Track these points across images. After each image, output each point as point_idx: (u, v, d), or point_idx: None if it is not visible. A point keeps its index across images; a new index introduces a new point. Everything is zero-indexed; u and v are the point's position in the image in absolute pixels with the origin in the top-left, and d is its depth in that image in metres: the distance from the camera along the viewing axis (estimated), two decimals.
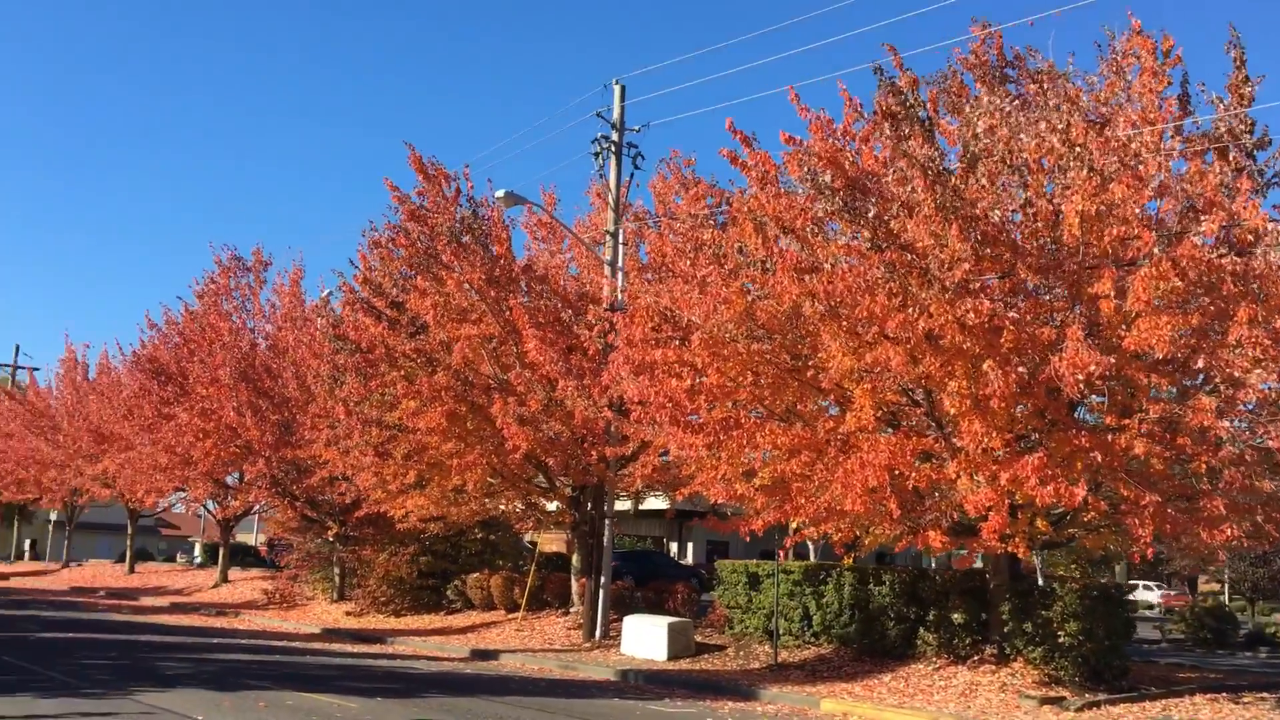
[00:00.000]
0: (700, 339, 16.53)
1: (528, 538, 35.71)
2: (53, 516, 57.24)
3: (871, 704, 15.82)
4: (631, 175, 25.49)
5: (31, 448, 47.76)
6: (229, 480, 36.02)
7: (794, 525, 19.51)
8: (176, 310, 35.41)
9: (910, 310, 14.18)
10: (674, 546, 48.87)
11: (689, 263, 17.75)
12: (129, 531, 49.68)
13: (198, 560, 56.93)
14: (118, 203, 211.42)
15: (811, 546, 37.79)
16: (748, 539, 19.19)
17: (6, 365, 62.25)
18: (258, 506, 37.46)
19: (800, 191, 15.92)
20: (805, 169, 15.12)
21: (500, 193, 23.28)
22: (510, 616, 27.55)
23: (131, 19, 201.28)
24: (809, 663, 19.53)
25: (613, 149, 25.20)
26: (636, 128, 25.59)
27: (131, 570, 48.81)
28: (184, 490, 37.88)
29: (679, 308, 17.48)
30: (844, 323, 15.48)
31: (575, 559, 26.48)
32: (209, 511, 40.55)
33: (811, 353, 16.92)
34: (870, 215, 14.76)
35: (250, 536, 71.43)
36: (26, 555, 67.66)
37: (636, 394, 18.05)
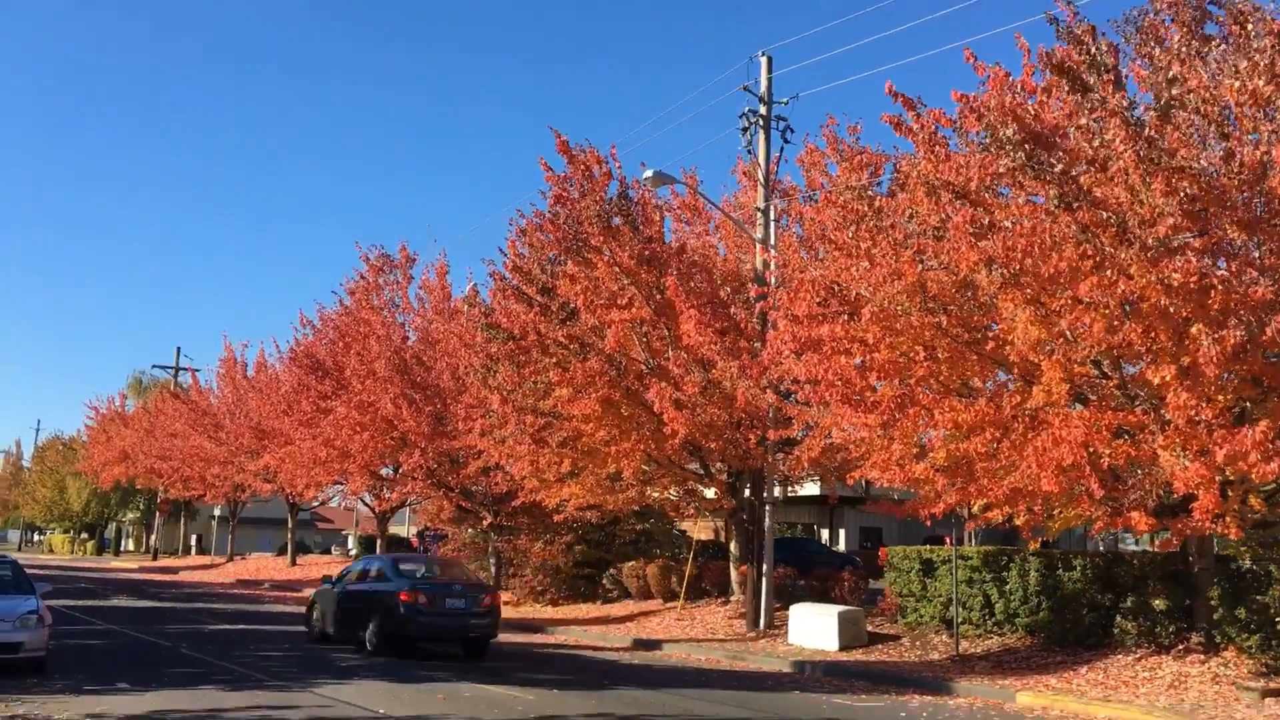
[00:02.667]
0: (871, 313, 15.65)
1: (680, 526, 35.18)
2: (216, 512, 59.53)
3: (1073, 697, 14.72)
4: (781, 150, 24.71)
5: (196, 446, 49.54)
6: (385, 473, 36.51)
7: (976, 508, 18.49)
8: (330, 307, 36.08)
9: (1109, 272, 13.05)
10: (825, 533, 47.76)
11: (851, 234, 16.83)
12: (289, 525, 51.13)
13: (353, 552, 58.35)
14: (268, 202, 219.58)
15: (969, 532, 36.39)
16: (928, 523, 18.23)
17: (169, 367, 64.92)
18: (412, 499, 37.85)
19: (976, 149, 14.90)
20: (984, 123, 14.07)
21: (648, 173, 22.72)
22: (668, 605, 27.08)
23: (285, 12, 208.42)
24: (993, 653, 18.45)
25: (761, 123, 24.43)
26: (784, 100, 24.79)
27: (293, 562, 50.22)
28: (342, 483, 38.59)
29: (845, 281, 16.61)
30: (1028, 290, 14.43)
31: (734, 546, 25.85)
32: (366, 504, 41.23)
33: (989, 324, 15.91)
34: (1057, 170, 13.64)
35: (403, 528, 73.05)
36: (193, 550, 70.58)
37: (805, 373, 17.25)
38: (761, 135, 24.38)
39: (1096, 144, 13.50)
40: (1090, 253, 13.07)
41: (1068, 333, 14.61)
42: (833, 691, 15.54)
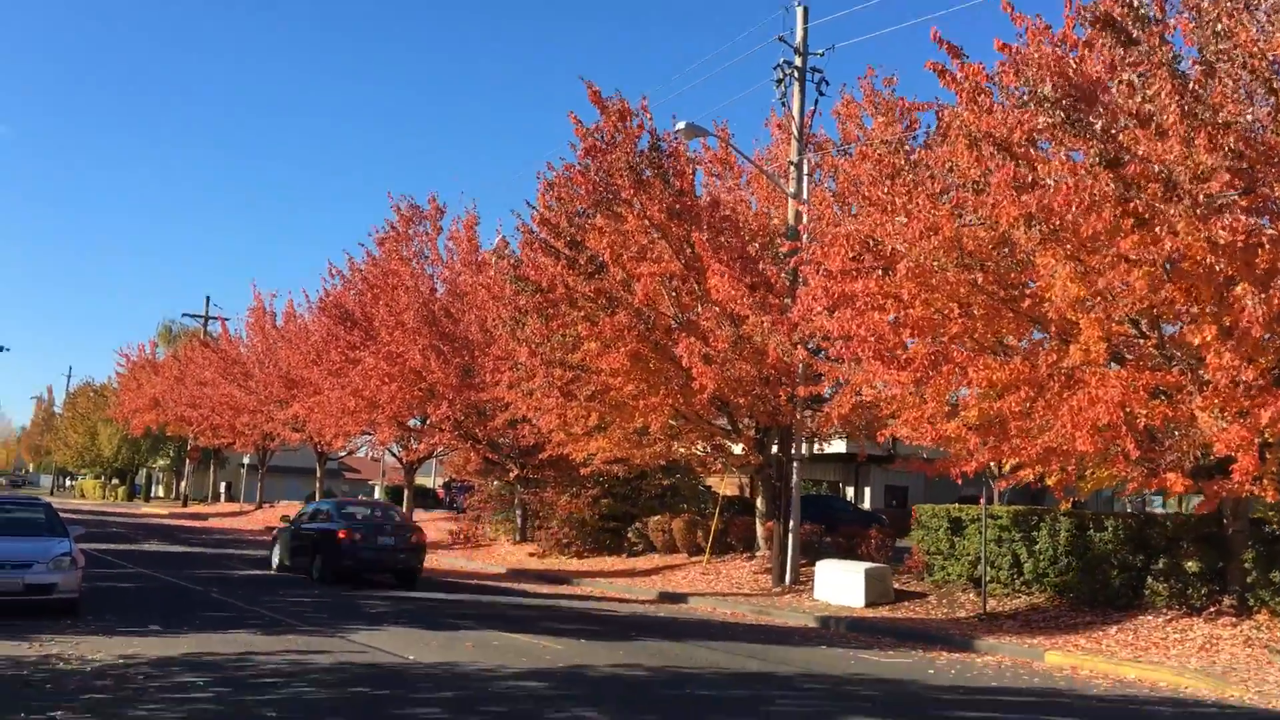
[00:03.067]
0: (906, 268, 15.41)
1: (705, 482, 35.13)
2: (245, 460, 60.05)
3: (1102, 657, 14.62)
4: (816, 102, 24.31)
5: (225, 394, 49.88)
6: (413, 424, 36.67)
7: (1007, 467, 18.32)
8: (359, 258, 36.06)
9: (1158, 228, 12.78)
10: (850, 491, 47.68)
11: (887, 188, 16.54)
12: (317, 474, 51.53)
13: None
14: (297, 152, 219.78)
15: (997, 492, 36.09)
16: (959, 481, 18.07)
17: (199, 316, 65.34)
18: (439, 450, 38.03)
19: (1014, 104, 14.58)
20: (1023, 79, 13.75)
21: (680, 125, 22.43)
22: (693, 560, 27.13)
23: None
24: (1021, 612, 18.38)
25: (795, 74, 24.04)
26: (820, 51, 24.34)
27: None
28: (370, 434, 38.80)
29: (880, 236, 16.36)
30: (1067, 246, 14.18)
31: (759, 502, 25.81)
32: (394, 455, 41.47)
33: (1026, 281, 15.66)
34: (1098, 128, 13.32)
35: (428, 479, 73.51)
36: (223, 497, 71.39)
37: (837, 329, 17.08)
38: (796, 87, 24.01)
39: (1139, 99, 13.17)
40: (1135, 208, 12.79)
41: (1107, 291, 14.37)
42: (859, 647, 15.52)
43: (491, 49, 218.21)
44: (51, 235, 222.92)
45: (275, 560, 24.61)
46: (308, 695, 9.43)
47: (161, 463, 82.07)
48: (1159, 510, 38.07)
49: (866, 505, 45.82)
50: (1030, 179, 13.65)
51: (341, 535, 21.79)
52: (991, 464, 17.91)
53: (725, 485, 38.90)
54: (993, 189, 14.30)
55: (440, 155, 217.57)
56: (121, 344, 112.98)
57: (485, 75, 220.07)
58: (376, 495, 64.85)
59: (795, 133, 23.93)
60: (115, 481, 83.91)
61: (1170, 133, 12.50)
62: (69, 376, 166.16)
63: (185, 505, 64.63)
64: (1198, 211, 12.55)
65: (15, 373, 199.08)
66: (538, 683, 10.53)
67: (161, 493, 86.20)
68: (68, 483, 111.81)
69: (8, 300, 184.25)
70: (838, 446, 35.08)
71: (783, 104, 25.09)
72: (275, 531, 25.52)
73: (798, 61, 23.93)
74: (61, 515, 16.41)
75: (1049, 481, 17.17)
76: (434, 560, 31.10)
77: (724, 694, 10.47)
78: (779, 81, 24.53)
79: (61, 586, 13.99)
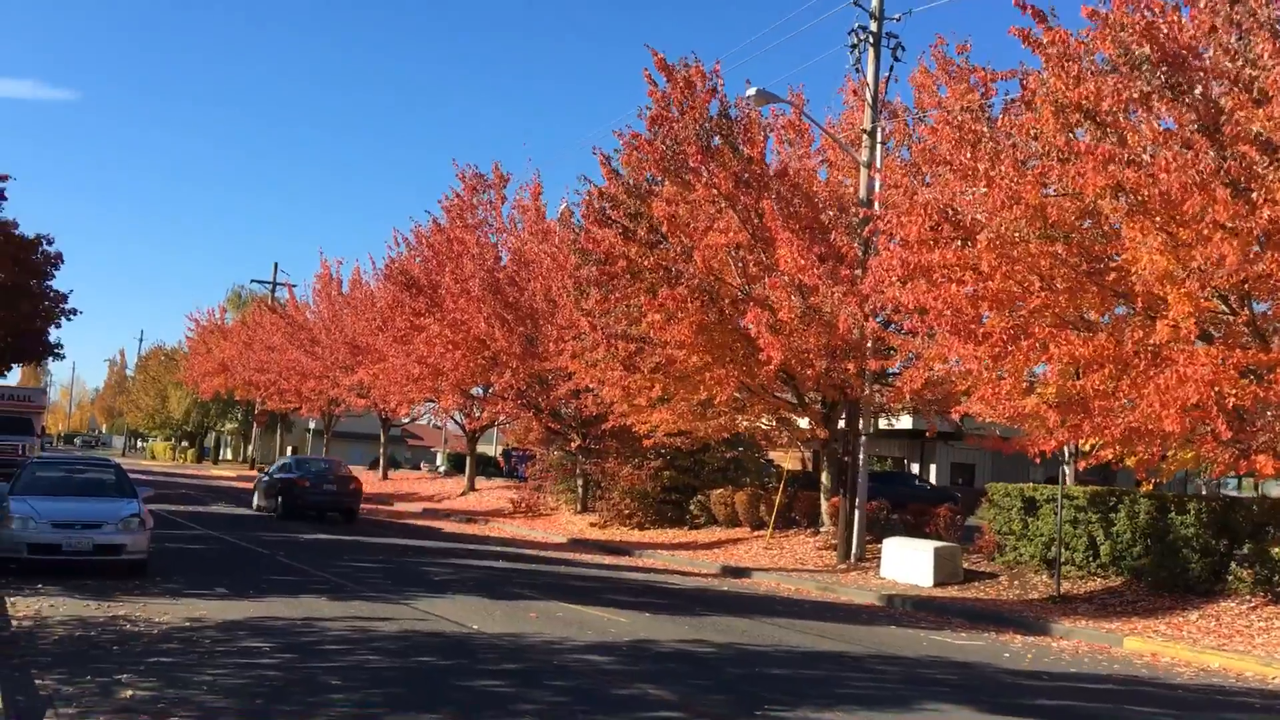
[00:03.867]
0: (987, 239, 14.86)
1: (768, 456, 34.74)
2: (311, 425, 60.79)
3: (1184, 644, 14.08)
4: (891, 69, 23.64)
5: (292, 359, 50.41)
6: (476, 392, 36.73)
7: (1087, 446, 17.76)
8: (425, 226, 36.06)
9: (1256, 195, 12.13)
10: (915, 467, 47.00)
11: (969, 155, 15.95)
12: (381, 440, 51.98)
13: (441, 469, 59.27)
14: (363, 123, 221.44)
15: (1071, 472, 35.21)
16: (1037, 460, 17.55)
17: (267, 282, 66.08)
18: (501, 418, 38.05)
19: (1100, 71, 13.95)
20: (1118, 43, 13.10)
21: (751, 91, 21.94)
22: (756, 534, 26.83)
23: None
24: (1096, 595, 17.83)
25: (870, 40, 23.38)
26: (897, 16, 23.66)
27: (384, 476, 51.17)
28: (433, 401, 38.96)
29: (960, 205, 15.80)
30: (1157, 218, 13.56)
31: (825, 477, 25.39)
32: (457, 423, 41.64)
33: (1111, 254, 15.04)
34: (1197, 93, 12.67)
35: (490, 448, 74.03)
36: None
37: (912, 300, 16.56)
38: (871, 53, 23.36)
39: (1240, 63, 12.50)
40: (1233, 175, 12.15)
41: (1200, 263, 13.76)
42: (929, 628, 15.13)
43: (562, 16, 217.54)
44: (124, 200, 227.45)
45: (255, 502, 30.91)
46: (372, 664, 9.31)
47: (230, 426, 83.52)
48: (1234, 493, 37.05)
49: (933, 482, 45.16)
50: (1122, 150, 13.06)
51: (298, 482, 28.52)
52: (1069, 444, 17.42)
53: (789, 460, 38.49)
54: (1080, 158, 13.72)
55: (509, 124, 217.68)
56: (191, 309, 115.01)
57: (555, 43, 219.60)
58: (438, 461, 65.37)
59: (869, 100, 23.31)
60: (185, 444, 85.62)
61: (1273, 96, 11.84)
62: (141, 340, 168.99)
63: (252, 468, 65.64)
64: None
65: (89, 335, 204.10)
66: (603, 657, 10.33)
67: (230, 455, 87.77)
68: (139, 444, 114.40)
69: (81, 264, 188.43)
70: (904, 422, 34.49)
71: (857, 70, 24.42)
72: (255, 480, 32.83)
73: (873, 27, 23.27)
74: (131, 476, 16.55)
75: (1129, 462, 16.62)
76: (495, 529, 31.23)
77: (795, 674, 10.17)
78: (853, 47, 23.89)
79: (130, 547, 14.09)
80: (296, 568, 16.87)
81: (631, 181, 22.55)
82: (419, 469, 64.35)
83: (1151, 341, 14.42)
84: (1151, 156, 13.10)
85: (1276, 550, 16.14)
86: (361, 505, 30.77)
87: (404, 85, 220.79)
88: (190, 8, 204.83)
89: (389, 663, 9.38)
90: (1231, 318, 15.14)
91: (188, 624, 10.69)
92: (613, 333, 22.58)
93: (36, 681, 7.85)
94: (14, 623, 10.40)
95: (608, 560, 23.63)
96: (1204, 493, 34.16)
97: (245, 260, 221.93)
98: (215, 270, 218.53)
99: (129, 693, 7.63)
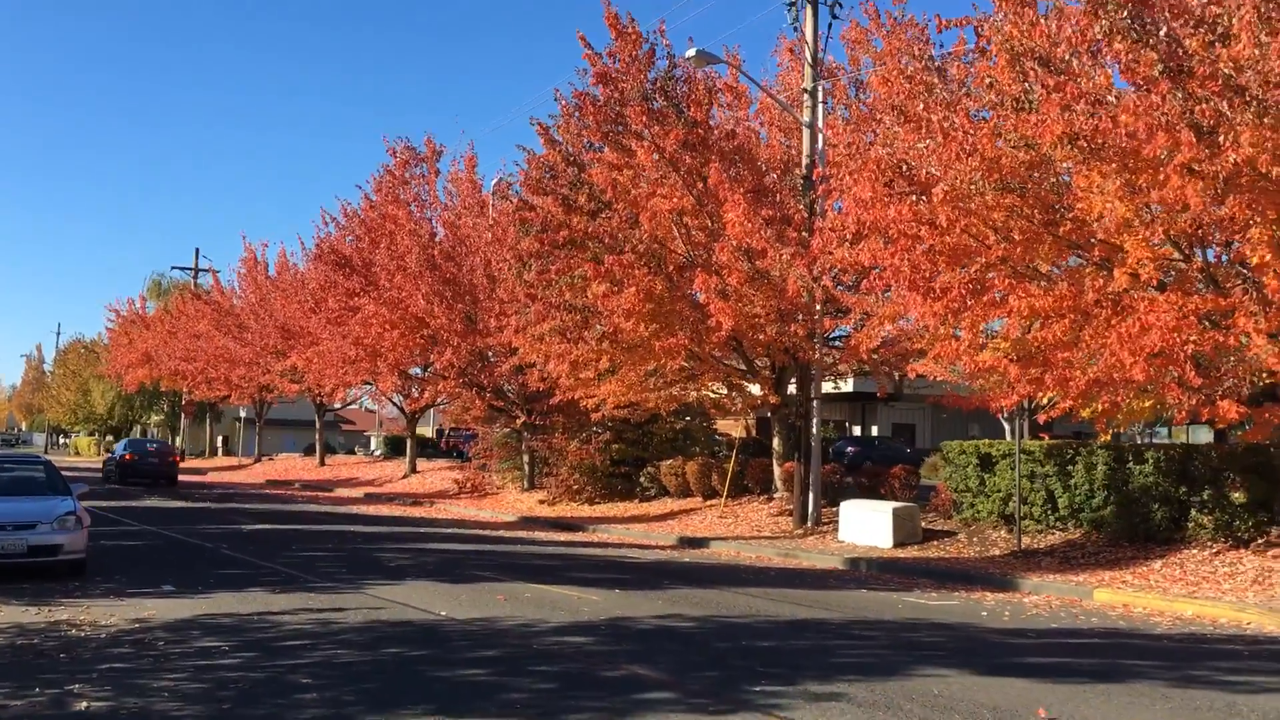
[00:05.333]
0: (943, 192, 14.58)
1: (715, 425, 34.45)
2: (242, 414, 59.35)
3: (1155, 594, 14.03)
4: (829, 27, 23.26)
5: (220, 347, 49.02)
6: (415, 372, 35.92)
7: (1045, 399, 17.68)
8: (355, 202, 35.02)
9: (1222, 137, 11.95)
10: (857, 429, 47.18)
11: (923, 104, 15.62)
12: (317, 426, 50.84)
13: (377, 452, 58.23)
14: (282, 99, 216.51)
15: (1008, 427, 35.49)
16: (999, 415, 17.42)
17: (189, 269, 64.21)
18: (441, 399, 37.26)
19: (1056, 13, 13.72)
20: None
21: (691, 52, 21.38)
22: (709, 503, 26.56)
23: None
24: (1057, 549, 17.81)
25: None
26: None
27: (322, 463, 50.06)
28: (371, 383, 38.06)
29: (913, 159, 15.50)
30: (1113, 164, 13.38)
31: (776, 443, 25.17)
32: (396, 405, 40.78)
33: (1066, 204, 14.86)
34: (1162, 33, 12.45)
35: (427, 429, 73.05)
36: (220, 451, 70.70)
37: (868, 258, 16.32)
38: (809, 10, 22.97)
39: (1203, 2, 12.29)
40: (1200, 117, 11.96)
41: (1156, 208, 13.64)
42: (898, 589, 14.93)
43: None
44: (34, 192, 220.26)
45: (104, 472, 40.92)
46: (341, 658, 8.74)
47: (156, 418, 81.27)
48: (1164, 442, 37.65)
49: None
50: (1087, 90, 12.81)
51: (126, 458, 38.98)
52: (1028, 398, 17.30)
53: (736, 428, 38.30)
54: (1039, 106, 13.48)
55: (440, 99, 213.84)
56: (110, 299, 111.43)
57: (485, 10, 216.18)
58: (372, 445, 64.27)
59: (808, 59, 22.93)
60: (110, 438, 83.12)
61: (1242, 35, 11.63)
62: (58, 333, 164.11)
63: (182, 460, 63.87)
64: (1265, 120, 11.76)
65: (4, 331, 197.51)
66: (582, 637, 9.88)
67: None
68: (61, 441, 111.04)
69: None
70: (847, 386, 34.52)
71: (794, 29, 24.07)
72: (105, 458, 45.37)
73: None
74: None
75: (1084, 414, 16.55)
76: (441, 510, 30.58)
77: (782, 645, 9.83)
78: (790, 4, 23.53)
79: (67, 547, 13.28)
80: (243, 560, 16.14)
81: (571, 149, 21.94)
82: (354, 454, 63.18)
83: (1111, 290, 14.31)
84: (1116, 99, 12.89)
85: (1236, 495, 16.22)
86: (301, 493, 29.86)
87: (323, 62, 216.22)
88: (91, 5, 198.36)
89: (358, 656, 8.82)
90: (1184, 265, 15.11)
91: (136, 625, 10.00)
92: (556, 304, 21.99)
93: None
94: None
95: (562, 537, 23.16)
96: (1139, 442, 34.71)
97: (164, 248, 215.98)
98: (134, 259, 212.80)
99: (84, 704, 7.00)
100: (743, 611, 11.81)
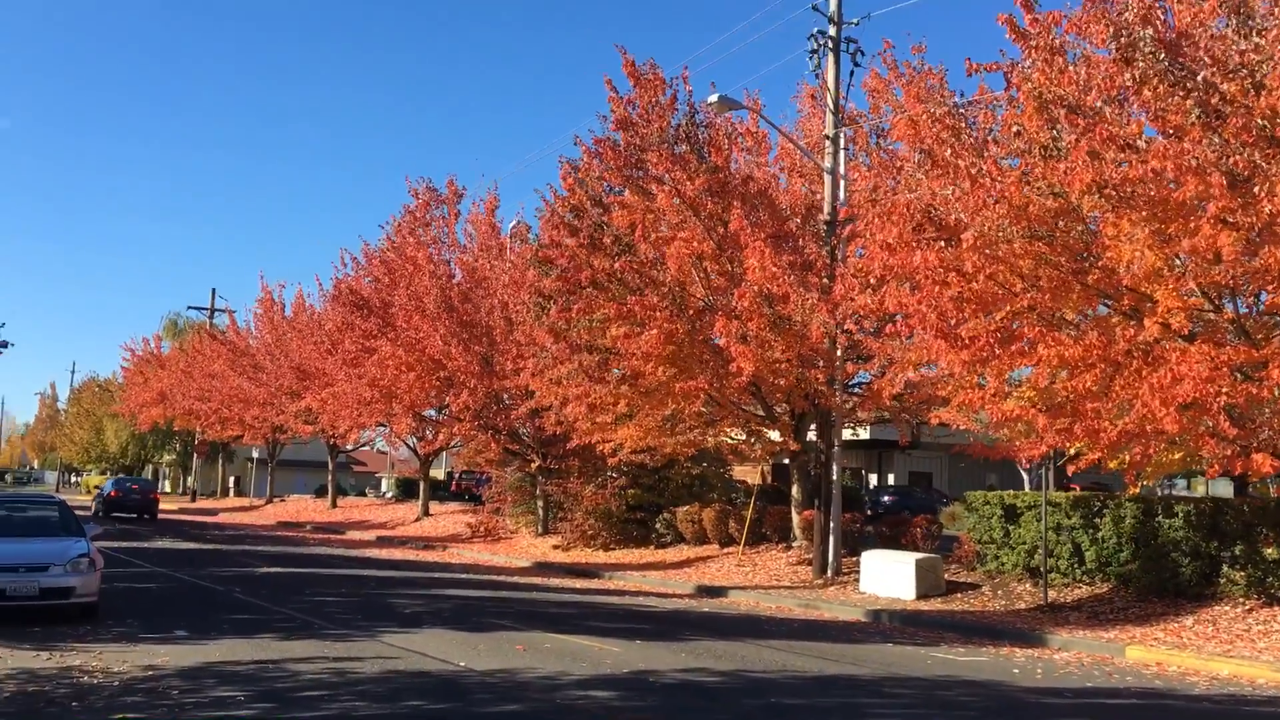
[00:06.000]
0: (972, 239, 14.41)
1: (731, 471, 34.09)
2: (255, 454, 59.14)
3: (1189, 652, 13.66)
4: (851, 73, 23.27)
5: (235, 387, 48.97)
6: (429, 414, 35.75)
7: (1073, 450, 17.37)
8: (374, 243, 35.05)
9: (1258, 188, 11.78)
10: (874, 477, 46.75)
11: (950, 152, 15.50)
12: (329, 467, 50.62)
13: (388, 494, 57.93)
14: (306, 141, 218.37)
15: (1026, 477, 35.08)
16: (1026, 465, 17.13)
17: (205, 309, 64.33)
18: (455, 442, 37.00)
19: (1084, 62, 13.63)
20: (1115, 27, 12.70)
21: (713, 98, 21.41)
22: (726, 551, 26.20)
23: None
24: (1084, 603, 17.43)
25: (830, 45, 23.00)
26: (855, 20, 23.36)
27: (334, 505, 49.76)
28: (385, 425, 37.88)
29: (940, 205, 15.35)
30: (1144, 211, 13.22)
31: (795, 490, 24.85)
32: (409, 447, 40.57)
33: (1095, 252, 14.68)
34: (1200, 78, 12.31)
35: (438, 471, 72.72)
36: (231, 492, 70.48)
37: (894, 304, 16.12)
38: (830, 58, 22.98)
39: (1243, 47, 12.17)
40: (1235, 167, 11.79)
41: (1190, 258, 13.46)
42: (925, 644, 14.56)
43: (514, 22, 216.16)
44: (52, 231, 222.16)
45: (93, 509, 43.93)
46: (360, 712, 8.48)
47: (168, 458, 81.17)
48: (1185, 494, 37.14)
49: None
50: (1118, 133, 12.68)
51: (112, 494, 43.70)
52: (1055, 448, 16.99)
53: (751, 474, 37.95)
54: (1067, 153, 13.36)
55: (459, 139, 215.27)
56: (125, 339, 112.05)
57: (505, 52, 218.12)
58: (384, 488, 63.93)
59: (830, 106, 22.91)
60: (150, 480, 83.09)
61: (1277, 88, 11.49)
62: (73, 372, 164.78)
63: (194, 500, 63.83)
64: None
65: (18, 369, 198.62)
66: (606, 692, 9.59)
67: (168, 488, 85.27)
68: (73, 479, 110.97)
69: (8, 296, 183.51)
70: (864, 433, 34.21)
71: (815, 76, 24.10)
72: (95, 495, 49.76)
73: (831, 31, 22.92)
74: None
75: (1112, 465, 16.27)
76: (454, 555, 30.26)
77: (812, 703, 9.51)
78: (813, 53, 23.54)
79: (80, 590, 13.04)
80: (256, 604, 15.88)
81: (593, 191, 21.86)
82: (364, 495, 62.83)
83: (1141, 340, 14.08)
84: (1146, 144, 12.74)
85: (1269, 551, 15.86)
86: (313, 535, 29.61)
87: (341, 111, 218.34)
88: (113, 43, 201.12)
89: (378, 709, 8.55)
90: (1214, 315, 14.88)
91: (149, 673, 9.75)
92: (578, 345, 21.79)
93: None
94: None
95: (578, 584, 22.83)
96: (1159, 494, 34.26)
97: (181, 288, 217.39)
98: (150, 299, 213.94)
99: None
100: (770, 666, 11.49)
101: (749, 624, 16.10)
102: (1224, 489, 29.16)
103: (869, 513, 29.67)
